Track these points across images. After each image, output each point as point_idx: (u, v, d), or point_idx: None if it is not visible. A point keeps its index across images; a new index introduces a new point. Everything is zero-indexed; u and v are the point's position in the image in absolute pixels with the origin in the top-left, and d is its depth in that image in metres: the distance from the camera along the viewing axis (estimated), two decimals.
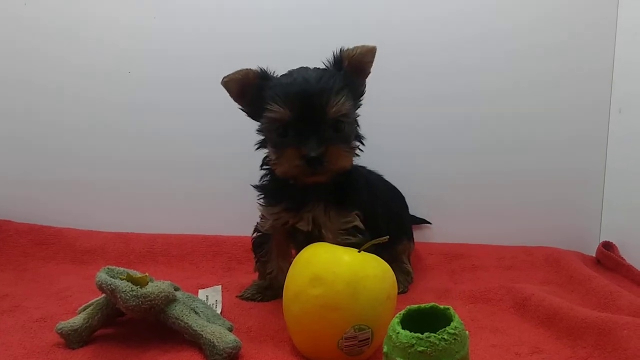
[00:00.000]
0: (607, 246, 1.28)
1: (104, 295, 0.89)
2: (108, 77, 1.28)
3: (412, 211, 1.28)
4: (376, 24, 1.27)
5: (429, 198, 1.31)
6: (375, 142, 1.03)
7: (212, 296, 1.00)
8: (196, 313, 0.86)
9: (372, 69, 0.97)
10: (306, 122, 0.89)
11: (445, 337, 0.66)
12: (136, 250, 1.23)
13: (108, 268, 0.86)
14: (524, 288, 1.04)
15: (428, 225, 1.32)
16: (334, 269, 0.78)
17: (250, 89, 0.94)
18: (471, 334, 0.88)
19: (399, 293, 1.02)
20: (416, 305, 0.73)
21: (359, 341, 0.77)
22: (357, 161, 1.00)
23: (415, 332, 0.67)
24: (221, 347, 0.78)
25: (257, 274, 1.07)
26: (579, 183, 1.32)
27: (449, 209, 1.32)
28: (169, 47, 1.27)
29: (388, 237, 0.82)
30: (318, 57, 0.97)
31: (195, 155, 1.30)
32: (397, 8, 1.27)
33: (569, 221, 1.33)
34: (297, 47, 1.22)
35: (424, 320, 0.72)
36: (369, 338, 0.78)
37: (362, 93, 0.98)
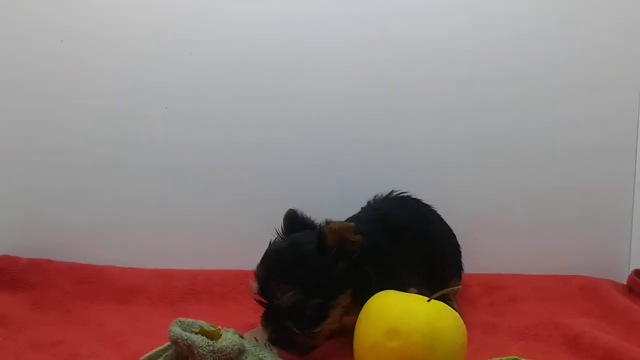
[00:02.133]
0: (639, 273, 1.31)
1: (167, 344, 0.90)
2: (150, 118, 1.28)
3: None
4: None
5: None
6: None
7: (261, 338, 0.99)
8: None
9: None
10: (268, 304, 0.93)
11: None
12: (177, 288, 1.22)
13: (179, 320, 0.85)
14: (573, 324, 1.06)
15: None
16: (410, 321, 0.79)
17: None
18: None
19: None
20: (498, 359, 0.74)
21: None
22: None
23: None
24: None
25: None
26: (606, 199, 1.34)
27: (476, 235, 1.32)
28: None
29: (459, 286, 0.83)
30: None
31: (229, 190, 1.31)
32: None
33: (597, 243, 1.35)
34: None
35: None
36: None
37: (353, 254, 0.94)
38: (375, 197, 1.17)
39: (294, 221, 1.03)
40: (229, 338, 0.83)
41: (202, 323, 0.88)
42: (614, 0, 1.28)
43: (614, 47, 1.29)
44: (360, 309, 0.88)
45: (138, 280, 1.23)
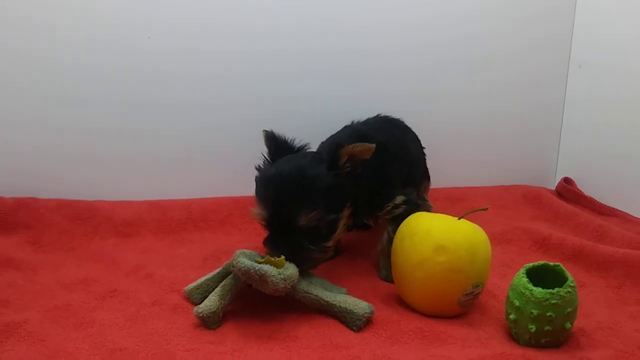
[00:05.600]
0: (567, 181, 1.53)
1: (213, 274, 0.95)
2: (128, 52, 1.24)
3: None
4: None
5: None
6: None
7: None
8: (313, 284, 0.94)
9: None
10: (280, 226, 0.96)
11: (569, 290, 0.83)
12: (175, 218, 1.25)
13: (242, 252, 0.90)
14: (539, 228, 1.25)
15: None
16: (454, 238, 0.91)
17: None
18: (508, 276, 1.06)
19: None
20: (531, 264, 0.89)
21: (474, 295, 0.92)
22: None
23: (531, 284, 0.83)
24: (360, 313, 0.89)
25: None
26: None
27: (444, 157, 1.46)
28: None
29: (488, 207, 0.96)
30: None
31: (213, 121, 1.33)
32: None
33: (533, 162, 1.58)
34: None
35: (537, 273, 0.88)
36: (480, 291, 0.93)
37: (356, 173, 1.00)
38: (359, 120, 1.23)
39: (277, 143, 1.05)
40: (292, 265, 0.89)
41: (255, 253, 0.93)
42: None
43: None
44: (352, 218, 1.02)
45: (133, 212, 1.23)
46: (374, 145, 0.98)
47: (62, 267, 1.06)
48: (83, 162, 1.26)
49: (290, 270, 0.88)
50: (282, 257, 0.90)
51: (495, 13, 1.44)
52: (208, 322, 0.88)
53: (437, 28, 1.41)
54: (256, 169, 1.02)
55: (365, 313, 0.89)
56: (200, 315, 0.87)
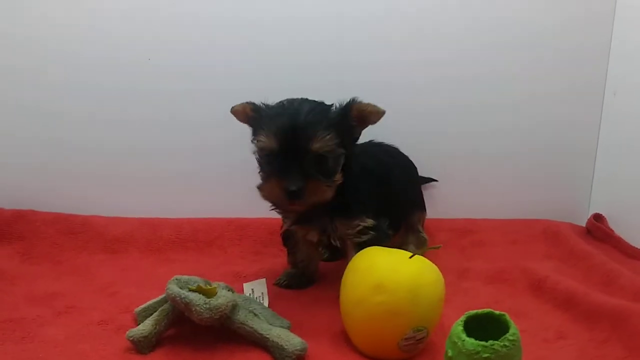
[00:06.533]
0: (597, 218, 1.40)
1: (162, 297, 0.95)
2: (128, 69, 1.28)
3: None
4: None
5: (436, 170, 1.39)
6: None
7: (257, 289, 1.06)
8: (255, 315, 0.92)
9: None
10: (290, 154, 0.93)
11: (507, 343, 0.75)
12: (164, 237, 1.27)
13: (176, 278, 0.90)
14: (538, 269, 1.14)
15: (435, 200, 1.39)
16: (395, 277, 0.85)
17: (249, 119, 1.02)
18: None
19: None
20: (474, 312, 0.81)
21: (417, 340, 0.86)
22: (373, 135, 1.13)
23: (472, 335, 0.75)
24: (290, 350, 0.85)
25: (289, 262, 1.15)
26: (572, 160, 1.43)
27: (455, 184, 1.40)
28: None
29: (441, 245, 0.90)
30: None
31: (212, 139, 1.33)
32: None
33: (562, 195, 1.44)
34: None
35: (479, 322, 0.81)
36: (424, 336, 0.87)
37: (355, 139, 1.03)
38: None
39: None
40: (223, 295, 0.88)
41: (197, 280, 0.93)
42: None
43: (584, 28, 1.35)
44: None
45: (125, 229, 1.27)
46: (384, 110, 0.98)
47: (40, 279, 1.10)
48: (83, 177, 1.32)
49: (220, 300, 0.87)
50: (215, 286, 0.89)
51: (519, 29, 1.34)
52: (139, 346, 0.88)
53: (454, 44, 1.34)
54: (252, 109, 1.01)
55: (296, 350, 0.85)
56: (131, 339, 0.87)
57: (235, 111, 1.04)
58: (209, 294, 0.87)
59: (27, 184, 1.30)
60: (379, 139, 1.25)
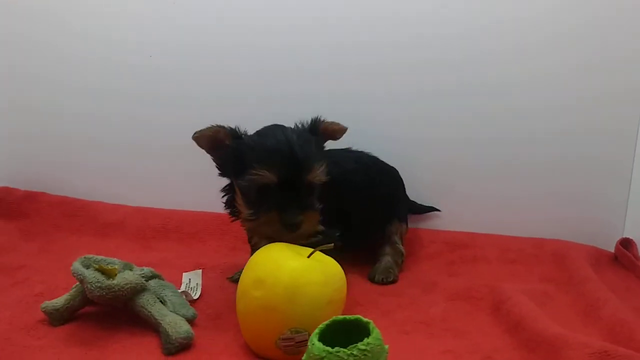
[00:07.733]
0: (626, 243, 1.22)
1: None
2: (130, 69, 1.35)
3: (423, 199, 1.29)
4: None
5: (439, 185, 1.30)
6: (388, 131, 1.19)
7: (193, 279, 1.06)
8: (163, 302, 0.92)
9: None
10: (287, 186, 0.92)
11: (355, 352, 0.68)
12: (152, 226, 1.31)
13: (85, 257, 0.93)
14: (506, 289, 1.02)
15: (437, 212, 1.31)
16: (275, 273, 0.81)
17: (222, 147, 0.97)
18: (433, 337, 0.91)
19: (388, 282, 1.07)
20: (342, 317, 0.75)
21: (296, 342, 0.81)
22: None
23: (338, 344, 0.69)
24: (174, 337, 0.84)
25: None
26: (605, 175, 1.25)
27: (462, 197, 1.30)
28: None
29: (333, 244, 0.84)
30: None
31: None
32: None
33: (591, 214, 1.27)
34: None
35: (352, 332, 0.74)
36: (306, 340, 0.81)
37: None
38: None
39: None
40: (124, 277, 0.89)
41: (112, 261, 0.96)
42: None
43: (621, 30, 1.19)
44: None
45: (118, 216, 1.33)
46: (346, 127, 1.03)
47: (21, 254, 1.20)
48: (90, 169, 1.41)
49: (116, 281, 0.88)
50: (115, 267, 0.91)
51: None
52: (51, 318, 0.92)
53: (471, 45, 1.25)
54: (232, 138, 0.97)
55: (179, 337, 0.85)
56: (43, 310, 0.92)
57: (202, 136, 0.96)
58: (109, 273, 0.89)
59: (39, 168, 1.42)
60: (385, 148, 1.23)
